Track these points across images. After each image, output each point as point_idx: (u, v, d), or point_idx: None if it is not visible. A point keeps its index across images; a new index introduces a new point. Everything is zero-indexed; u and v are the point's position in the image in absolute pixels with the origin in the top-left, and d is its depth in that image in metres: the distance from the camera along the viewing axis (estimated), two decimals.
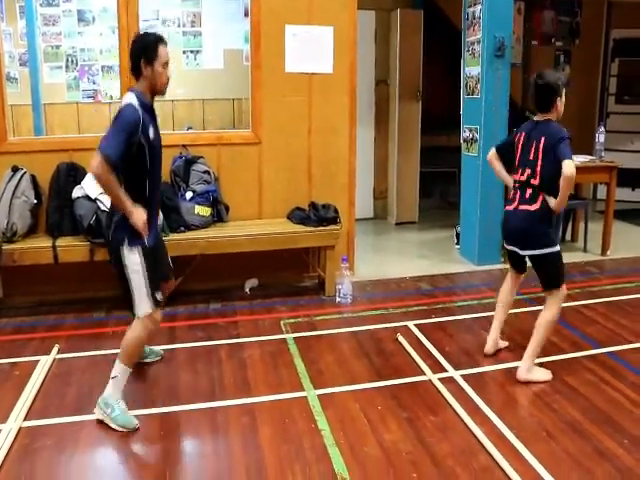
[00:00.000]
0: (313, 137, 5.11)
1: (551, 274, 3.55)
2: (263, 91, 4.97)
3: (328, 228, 4.83)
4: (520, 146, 3.57)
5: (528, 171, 3.49)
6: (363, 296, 4.93)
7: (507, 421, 3.07)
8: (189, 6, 6.98)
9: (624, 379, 3.53)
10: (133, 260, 3.09)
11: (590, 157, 6.05)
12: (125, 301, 3.29)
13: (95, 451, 2.96)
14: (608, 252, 6.07)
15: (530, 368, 3.52)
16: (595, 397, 3.34)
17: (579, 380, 3.53)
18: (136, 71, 3.13)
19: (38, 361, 3.71)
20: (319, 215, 4.86)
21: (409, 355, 3.83)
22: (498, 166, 3.78)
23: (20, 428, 3.01)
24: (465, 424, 3.06)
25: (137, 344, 3.18)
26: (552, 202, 3.43)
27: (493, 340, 3.84)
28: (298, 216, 4.94)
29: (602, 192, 7.33)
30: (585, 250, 6.18)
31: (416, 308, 4.67)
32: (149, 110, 3.17)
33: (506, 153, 3.74)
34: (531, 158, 3.48)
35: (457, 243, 6.24)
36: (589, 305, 4.68)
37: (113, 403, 3.08)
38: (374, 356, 3.85)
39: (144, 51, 3.09)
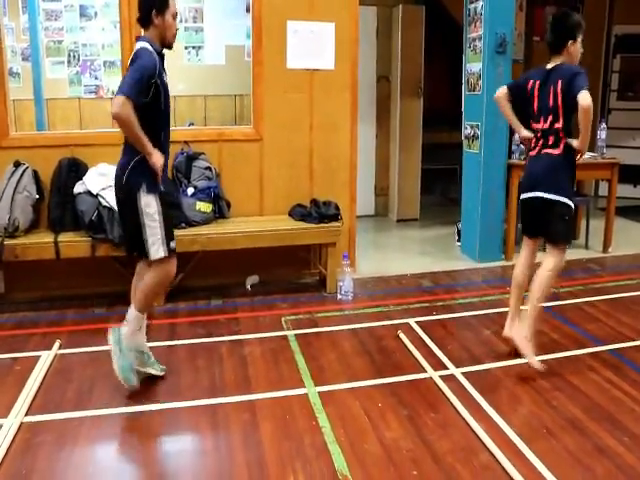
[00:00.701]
0: (314, 133, 5.11)
1: (559, 227, 3.53)
2: (264, 87, 4.96)
3: (329, 225, 4.83)
4: (537, 94, 3.53)
5: (550, 117, 3.47)
6: (364, 293, 4.93)
7: (508, 418, 3.07)
8: (191, 2, 6.98)
9: (625, 377, 3.52)
10: (150, 205, 3.17)
11: (592, 154, 6.04)
12: (129, 250, 3.49)
13: (95, 447, 2.95)
14: (610, 249, 6.07)
15: (531, 336, 3.52)
16: (596, 394, 3.34)
17: (580, 377, 3.52)
18: (145, 21, 3.21)
19: (39, 356, 3.72)
20: (320, 212, 4.86)
21: (410, 352, 3.83)
22: (507, 106, 3.72)
23: (21, 423, 3.01)
24: (466, 422, 3.05)
25: (151, 291, 3.27)
26: (575, 142, 3.44)
27: (508, 325, 3.76)
28: (299, 213, 4.94)
29: (604, 189, 7.33)
30: (587, 247, 6.19)
31: (417, 305, 4.67)
32: (161, 56, 3.25)
33: (515, 96, 3.69)
34: (551, 104, 3.46)
35: (458, 240, 6.23)
36: (591, 302, 4.67)
37: (125, 349, 3.16)
38: (375, 353, 3.85)
39: (155, 1, 3.17)
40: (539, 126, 3.56)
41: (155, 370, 3.46)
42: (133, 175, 3.18)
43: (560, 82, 3.42)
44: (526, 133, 3.71)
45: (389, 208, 7.71)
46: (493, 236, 5.76)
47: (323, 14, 4.99)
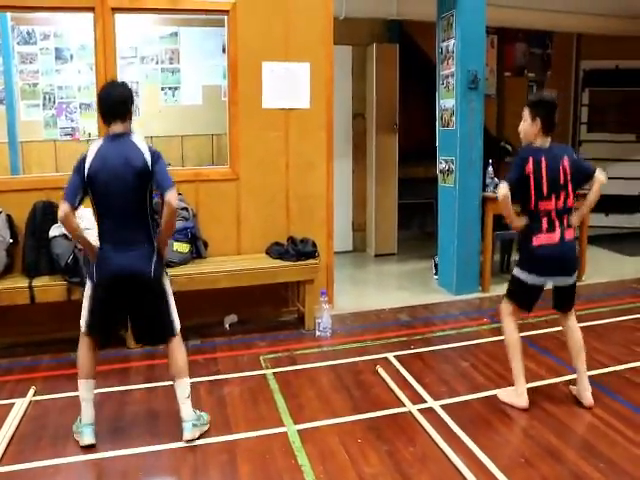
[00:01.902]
0: (291, 172, 5.16)
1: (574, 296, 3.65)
2: (240, 127, 5.02)
3: (307, 262, 4.85)
4: (545, 173, 3.39)
5: (563, 195, 3.42)
6: (342, 329, 4.94)
7: (486, 449, 3.08)
8: (167, 43, 7.05)
9: (599, 402, 3.56)
10: (168, 284, 3.37)
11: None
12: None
13: None
14: (583, 277, 6.14)
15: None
16: (571, 421, 3.38)
17: (555, 405, 3.56)
18: (128, 114, 3.28)
19: (14, 404, 3.66)
20: (297, 249, 4.88)
21: (389, 387, 3.83)
22: (510, 207, 3.47)
23: None
24: (445, 454, 3.06)
25: (185, 352, 3.42)
26: (573, 219, 3.54)
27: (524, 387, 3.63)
28: (277, 251, 4.96)
29: None
30: None
31: (395, 339, 4.68)
32: None
33: (516, 189, 3.44)
34: (562, 182, 3.41)
35: (436, 273, 6.27)
36: None
37: (200, 417, 3.36)
38: (354, 389, 3.85)
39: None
40: (551, 206, 3.43)
41: None
42: (158, 263, 3.26)
43: (567, 159, 3.43)
44: (522, 222, 3.54)
45: (367, 243, 7.76)
46: (470, 268, 5.81)
47: (298, 54, 5.08)
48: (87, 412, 3.26)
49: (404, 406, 3.57)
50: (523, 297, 3.62)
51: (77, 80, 6.83)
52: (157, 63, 7.04)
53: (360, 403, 3.65)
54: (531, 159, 3.41)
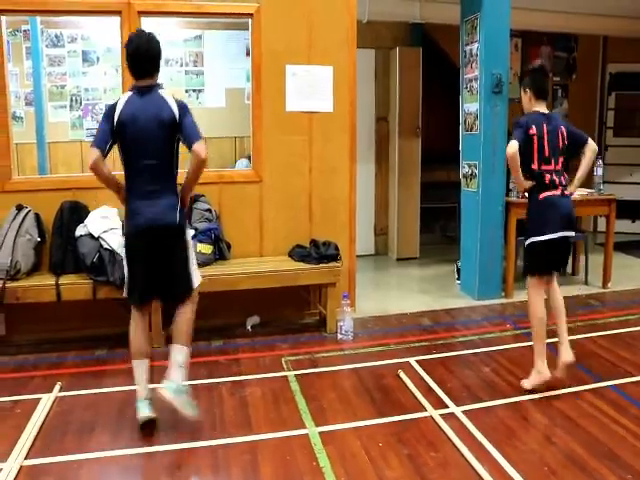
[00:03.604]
0: (314, 175, 5.17)
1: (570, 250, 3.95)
2: (264, 130, 5.04)
3: (329, 265, 4.86)
4: (546, 137, 3.71)
5: (561, 158, 3.76)
6: (364, 332, 4.94)
7: (508, 457, 3.06)
8: (191, 46, 7.11)
9: (626, 412, 3.52)
10: (189, 236, 3.46)
11: (589, 190, 6.10)
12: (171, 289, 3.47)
13: None
14: (609, 284, 6.09)
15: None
16: (597, 431, 3.33)
17: (581, 414, 3.52)
18: (158, 69, 3.36)
19: (40, 399, 3.72)
20: (320, 252, 4.89)
21: (410, 391, 3.82)
22: (519, 165, 3.73)
23: (21, 467, 3.01)
24: (467, 460, 3.04)
25: (193, 322, 3.42)
26: (571, 187, 3.90)
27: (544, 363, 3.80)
28: (299, 253, 4.97)
29: (602, 225, 7.37)
30: (586, 283, 6.21)
31: (417, 344, 4.67)
32: None
33: (522, 149, 3.71)
34: (560, 146, 3.75)
35: (458, 278, 6.25)
36: (590, 338, 4.68)
37: (186, 390, 3.34)
38: (375, 392, 3.84)
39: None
40: (550, 167, 3.74)
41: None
42: (182, 213, 3.36)
43: (563, 128, 3.76)
44: (529, 184, 3.81)
45: (389, 247, 7.75)
46: (492, 274, 5.78)
47: (322, 57, 5.10)
48: (142, 389, 3.36)
49: (426, 411, 3.56)
50: (538, 259, 3.82)
51: (103, 82, 6.92)
52: (181, 66, 7.11)
53: (382, 407, 3.65)
54: (533, 124, 3.72)
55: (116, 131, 3.25)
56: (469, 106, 5.87)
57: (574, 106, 8.76)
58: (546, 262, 3.83)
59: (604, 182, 6.30)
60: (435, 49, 7.71)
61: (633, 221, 8.49)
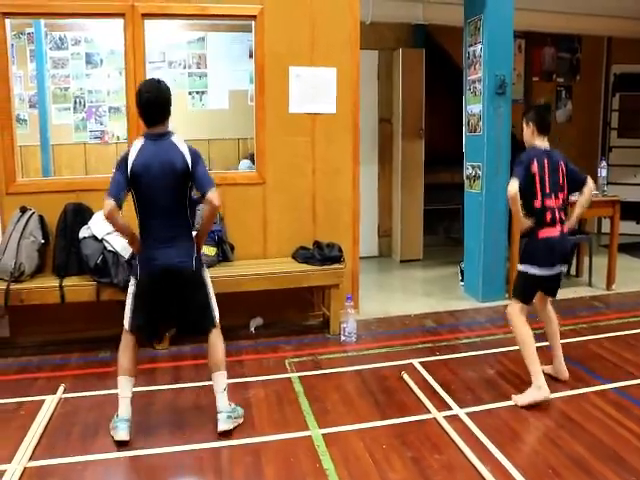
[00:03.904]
0: (317, 176, 5.18)
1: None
2: (267, 132, 5.05)
3: (332, 267, 4.86)
4: (547, 172, 3.70)
5: (561, 195, 3.76)
6: (368, 334, 4.93)
7: (512, 459, 3.05)
8: (195, 48, 7.12)
9: (630, 414, 3.51)
10: (208, 277, 3.49)
11: (594, 192, 6.07)
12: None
13: None
14: (613, 286, 6.07)
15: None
16: (601, 433, 3.32)
17: (584, 416, 3.51)
18: (167, 116, 3.35)
19: (44, 400, 3.72)
20: (323, 254, 4.89)
21: (414, 393, 3.82)
22: (519, 204, 3.70)
23: (25, 468, 3.01)
24: (470, 462, 3.04)
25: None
26: (570, 222, 3.91)
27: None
28: (302, 255, 4.97)
29: (606, 226, 7.35)
30: (590, 284, 6.19)
31: (421, 346, 4.67)
32: None
33: (523, 187, 3.67)
34: (560, 182, 3.75)
35: (461, 280, 6.24)
36: (595, 340, 4.67)
37: (235, 410, 3.46)
38: (379, 394, 3.84)
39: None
40: (551, 203, 3.71)
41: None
42: (198, 257, 3.41)
43: (563, 164, 3.77)
44: (529, 223, 3.76)
45: (392, 249, 7.74)
46: (496, 275, 5.77)
47: (325, 59, 5.10)
48: (124, 407, 3.32)
49: (429, 413, 3.56)
50: (530, 291, 3.85)
51: (106, 84, 6.93)
52: (184, 68, 7.12)
53: (385, 409, 3.65)
54: (535, 160, 3.70)
55: (130, 180, 3.25)
56: (472, 107, 5.86)
57: (578, 107, 8.76)
58: (533, 293, 3.87)
59: (608, 183, 6.29)
60: (438, 50, 7.70)
61: (637, 222, 8.47)
